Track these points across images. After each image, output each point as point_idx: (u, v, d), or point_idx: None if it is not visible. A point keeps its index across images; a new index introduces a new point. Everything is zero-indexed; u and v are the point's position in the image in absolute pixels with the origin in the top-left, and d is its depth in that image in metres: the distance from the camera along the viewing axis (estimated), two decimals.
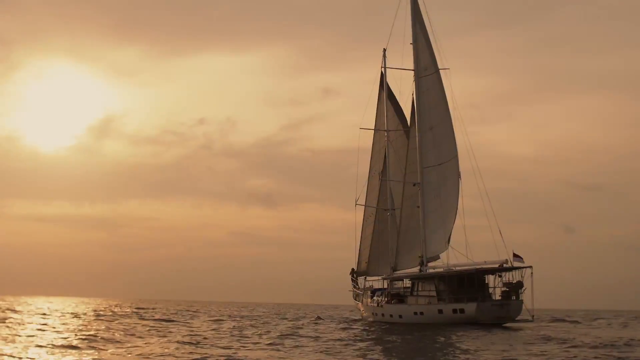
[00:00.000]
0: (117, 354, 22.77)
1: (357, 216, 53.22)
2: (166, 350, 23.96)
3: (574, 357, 22.09)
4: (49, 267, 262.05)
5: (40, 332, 31.82)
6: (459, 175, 45.61)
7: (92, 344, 25.79)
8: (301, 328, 39.62)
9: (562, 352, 23.70)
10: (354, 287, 54.43)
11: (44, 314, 52.53)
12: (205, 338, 29.69)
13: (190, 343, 26.67)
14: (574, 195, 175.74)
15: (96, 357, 22.00)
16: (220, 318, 53.23)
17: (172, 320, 46.32)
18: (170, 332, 33.95)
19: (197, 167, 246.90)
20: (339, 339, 29.90)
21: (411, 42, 47.40)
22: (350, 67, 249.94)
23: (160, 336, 30.61)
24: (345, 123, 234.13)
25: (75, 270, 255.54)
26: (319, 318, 56.90)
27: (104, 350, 24.04)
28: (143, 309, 75.39)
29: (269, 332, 35.28)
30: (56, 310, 65.41)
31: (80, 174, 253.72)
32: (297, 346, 26.27)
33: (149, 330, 35.14)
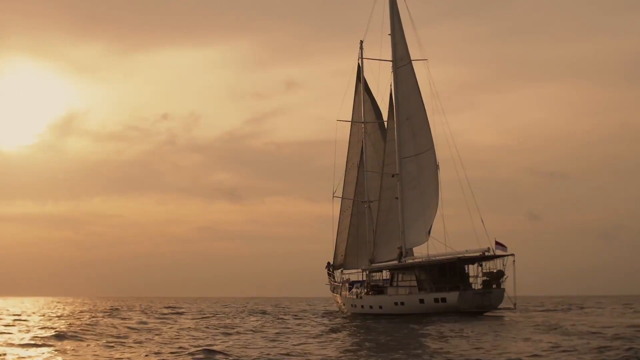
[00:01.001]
0: None
1: (334, 209, 52.99)
2: None
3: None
4: (12, 267, 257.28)
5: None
6: (437, 166, 45.63)
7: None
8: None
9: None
10: (331, 280, 54.07)
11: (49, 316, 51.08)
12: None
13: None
14: (538, 183, 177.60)
15: None
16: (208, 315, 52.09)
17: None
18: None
19: (162, 163, 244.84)
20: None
21: (389, 32, 47.33)
22: (313, 60, 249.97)
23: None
24: (310, 116, 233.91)
25: (39, 270, 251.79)
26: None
27: None
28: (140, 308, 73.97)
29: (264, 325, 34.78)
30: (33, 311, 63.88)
31: (43, 173, 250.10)
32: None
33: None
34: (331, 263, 54.81)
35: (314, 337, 26.35)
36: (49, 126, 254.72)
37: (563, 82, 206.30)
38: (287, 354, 20.14)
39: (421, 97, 45.85)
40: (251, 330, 30.97)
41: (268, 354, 20.08)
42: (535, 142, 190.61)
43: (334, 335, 27.52)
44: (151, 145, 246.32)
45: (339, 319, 42.02)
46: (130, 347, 23.11)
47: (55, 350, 22.10)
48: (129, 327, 33.16)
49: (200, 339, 26.24)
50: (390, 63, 47.11)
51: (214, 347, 21.80)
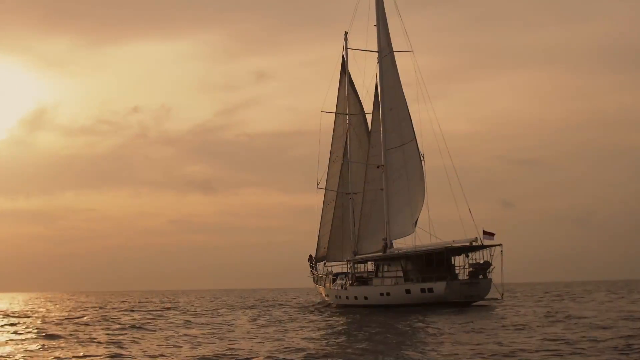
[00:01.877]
0: None
1: (317, 200, 52.74)
2: None
3: None
4: None
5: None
6: (422, 157, 45.59)
7: None
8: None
9: None
10: (313, 272, 53.75)
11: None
12: None
13: None
14: (511, 170, 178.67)
15: None
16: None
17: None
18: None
19: (133, 156, 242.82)
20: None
21: (375, 24, 47.18)
22: (284, 50, 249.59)
23: None
24: (281, 106, 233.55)
25: (11, 265, 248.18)
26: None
27: None
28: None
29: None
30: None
31: (13, 168, 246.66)
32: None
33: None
34: (313, 256, 54.54)
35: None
36: (19, 121, 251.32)
37: (535, 69, 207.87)
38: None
39: (401, 88, 45.95)
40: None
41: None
42: (507, 129, 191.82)
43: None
44: (123, 139, 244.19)
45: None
46: None
47: None
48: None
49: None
50: (374, 54, 47.06)
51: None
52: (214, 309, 48.50)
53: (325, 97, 58.22)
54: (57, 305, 63.53)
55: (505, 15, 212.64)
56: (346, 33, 52.02)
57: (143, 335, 25.86)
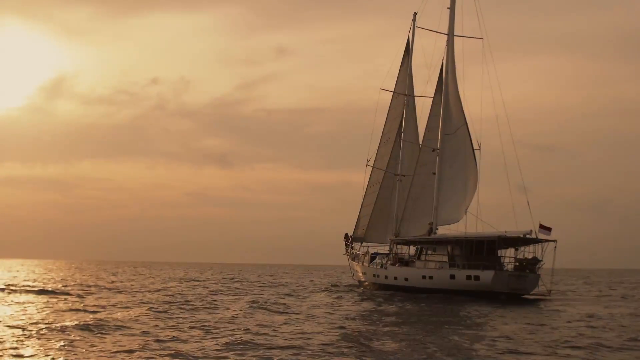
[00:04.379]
0: None
1: (365, 178, 52.23)
2: None
3: None
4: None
5: None
6: (479, 145, 44.71)
7: None
8: None
9: None
10: (348, 250, 53.15)
11: None
12: None
13: None
14: (528, 155, 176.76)
15: None
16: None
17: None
18: None
19: (151, 128, 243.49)
20: None
21: (448, 6, 46.40)
22: (304, 27, 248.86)
23: None
24: (300, 83, 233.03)
25: (26, 233, 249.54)
26: None
27: None
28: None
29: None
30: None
31: (31, 135, 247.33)
32: None
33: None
34: (349, 235, 53.93)
35: None
36: (38, 88, 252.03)
37: (555, 55, 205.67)
38: None
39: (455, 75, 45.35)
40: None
41: None
42: (525, 114, 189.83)
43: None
44: (141, 110, 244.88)
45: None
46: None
47: None
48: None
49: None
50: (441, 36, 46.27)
51: None
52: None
53: (386, 74, 57.28)
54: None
55: (526, 1, 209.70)
56: (415, 14, 51.33)
57: None
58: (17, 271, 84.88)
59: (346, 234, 54.19)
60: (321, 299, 36.14)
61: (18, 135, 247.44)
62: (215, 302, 31.74)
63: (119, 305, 29.11)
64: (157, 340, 18.03)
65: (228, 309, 28.09)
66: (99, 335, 19.12)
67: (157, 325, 21.42)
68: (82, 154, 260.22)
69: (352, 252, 52.24)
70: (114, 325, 21.24)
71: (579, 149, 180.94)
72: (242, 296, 37.44)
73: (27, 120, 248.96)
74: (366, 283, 48.05)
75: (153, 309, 26.96)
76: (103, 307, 28.41)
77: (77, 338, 18.39)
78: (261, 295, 37.76)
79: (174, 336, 18.87)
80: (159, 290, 41.86)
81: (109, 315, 24.37)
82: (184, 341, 18.10)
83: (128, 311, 26.35)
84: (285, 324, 22.43)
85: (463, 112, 44.83)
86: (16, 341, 17.62)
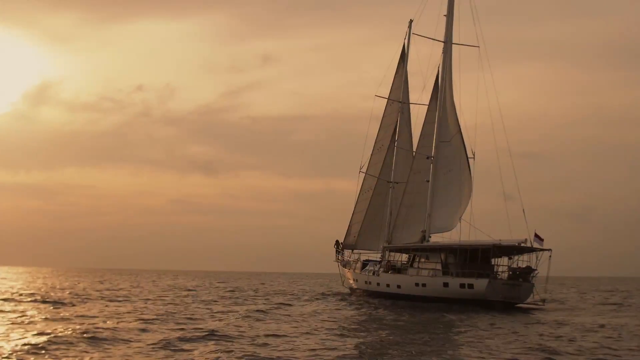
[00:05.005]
0: None
1: (358, 185, 51.94)
2: None
3: None
4: None
5: None
6: (473, 154, 44.53)
7: None
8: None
9: None
10: (339, 257, 52.74)
11: None
12: None
13: None
14: (512, 164, 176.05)
15: None
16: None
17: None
18: None
19: (136, 135, 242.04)
20: None
21: (445, 14, 46.28)
22: (289, 34, 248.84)
23: None
24: (285, 90, 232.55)
25: (10, 239, 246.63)
26: None
27: None
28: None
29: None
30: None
31: (15, 142, 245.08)
32: None
33: None
34: (340, 242, 53.54)
35: None
36: (23, 95, 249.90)
37: (540, 63, 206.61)
38: None
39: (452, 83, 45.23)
40: None
41: None
42: (510, 122, 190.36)
43: None
44: (126, 117, 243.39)
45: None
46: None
47: None
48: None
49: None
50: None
51: None
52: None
53: (381, 81, 57.05)
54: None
55: (512, 8, 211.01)
56: (411, 21, 51.21)
57: None
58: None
59: (337, 241, 53.79)
60: (323, 307, 35.46)
61: (2, 141, 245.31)
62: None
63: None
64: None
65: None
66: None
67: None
68: (67, 161, 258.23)
69: (343, 259, 51.82)
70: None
71: (563, 157, 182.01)
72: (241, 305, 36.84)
73: (11, 127, 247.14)
74: (358, 290, 47.66)
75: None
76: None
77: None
78: (257, 304, 37.07)
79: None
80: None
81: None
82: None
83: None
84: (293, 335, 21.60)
85: (457, 120, 44.73)
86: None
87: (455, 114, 44.99)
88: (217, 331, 21.07)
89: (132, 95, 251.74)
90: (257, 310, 30.99)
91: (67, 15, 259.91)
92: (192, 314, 28.38)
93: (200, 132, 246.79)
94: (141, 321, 24.40)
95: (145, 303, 35.87)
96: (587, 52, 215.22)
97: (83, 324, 23.25)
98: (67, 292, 44.89)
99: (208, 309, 32.26)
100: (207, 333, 20.54)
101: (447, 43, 45.87)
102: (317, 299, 44.17)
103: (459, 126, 44.67)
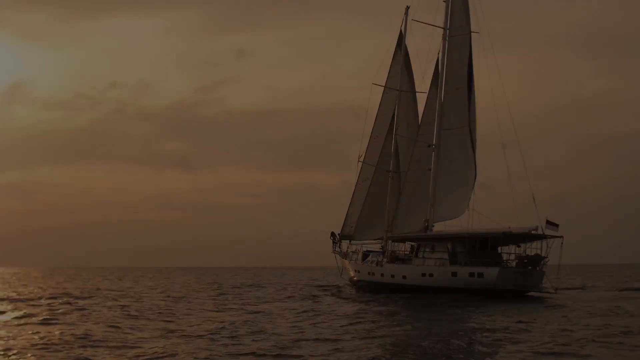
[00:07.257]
0: None
1: (357, 175, 51.06)
2: None
3: None
4: None
5: None
6: (474, 142, 43.87)
7: None
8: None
9: None
10: (335, 249, 51.84)
11: None
12: None
13: None
14: (488, 153, 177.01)
15: None
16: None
17: None
18: None
19: (111, 132, 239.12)
20: None
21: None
22: (263, 28, 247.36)
23: None
24: (260, 84, 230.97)
25: None
26: None
27: None
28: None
29: None
30: None
31: None
32: None
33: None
34: (336, 233, 52.54)
35: None
36: None
37: (515, 53, 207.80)
38: None
39: (472, 71, 44.17)
40: None
41: None
42: (485, 112, 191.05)
43: None
44: (100, 114, 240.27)
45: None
46: None
47: None
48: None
49: None
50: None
51: None
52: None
53: (378, 70, 56.11)
54: None
55: None
56: (407, 7, 50.34)
57: None
58: None
59: (332, 233, 52.80)
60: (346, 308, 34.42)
61: None
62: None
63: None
64: None
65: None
66: None
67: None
68: (41, 160, 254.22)
69: (341, 251, 50.91)
70: None
71: (539, 146, 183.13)
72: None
73: None
74: (360, 282, 46.76)
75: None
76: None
77: None
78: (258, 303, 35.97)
79: None
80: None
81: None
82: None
83: None
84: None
85: (468, 110, 43.83)
86: None
87: (468, 104, 43.83)
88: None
89: (106, 92, 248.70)
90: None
91: (38, 13, 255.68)
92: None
93: (175, 127, 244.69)
94: None
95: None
96: (562, 41, 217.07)
97: None
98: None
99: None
100: None
101: (449, 29, 45.12)
102: (315, 294, 43.21)
103: (468, 113, 43.66)
